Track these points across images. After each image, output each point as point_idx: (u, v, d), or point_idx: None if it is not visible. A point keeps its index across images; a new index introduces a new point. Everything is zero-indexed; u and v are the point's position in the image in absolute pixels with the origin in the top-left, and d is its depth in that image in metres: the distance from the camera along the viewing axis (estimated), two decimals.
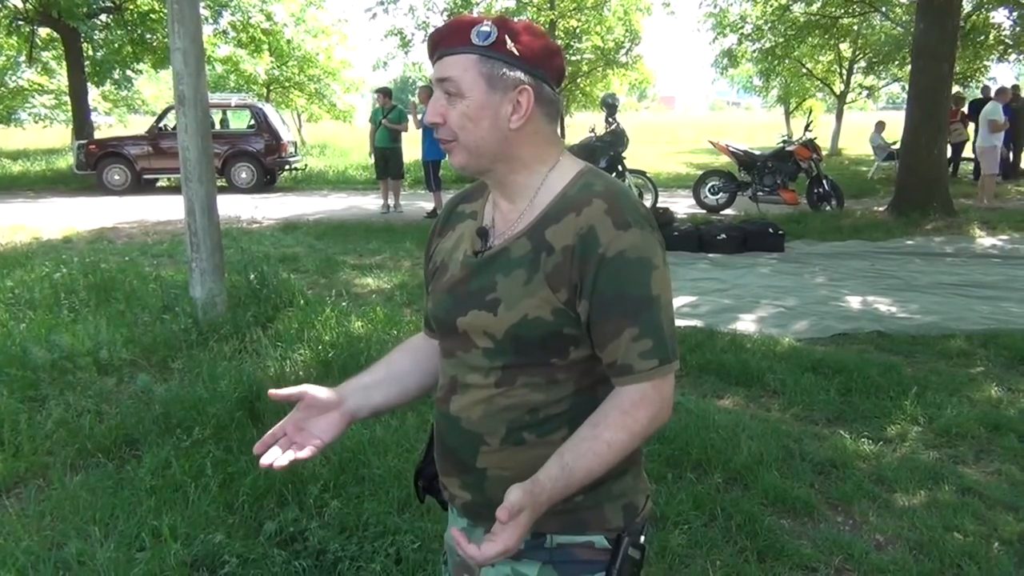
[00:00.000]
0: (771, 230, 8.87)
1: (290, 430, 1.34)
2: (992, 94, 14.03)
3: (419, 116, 11.41)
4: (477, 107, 1.24)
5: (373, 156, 12.43)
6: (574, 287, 1.23)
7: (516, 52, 1.25)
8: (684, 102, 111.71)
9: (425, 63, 24.04)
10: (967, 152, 15.83)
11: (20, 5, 17.80)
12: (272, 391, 1.35)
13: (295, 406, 1.36)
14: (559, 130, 1.37)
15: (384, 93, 12.20)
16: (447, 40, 1.26)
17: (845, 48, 23.05)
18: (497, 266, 1.27)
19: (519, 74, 1.25)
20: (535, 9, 19.52)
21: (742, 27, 21.54)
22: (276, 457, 1.30)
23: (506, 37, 1.25)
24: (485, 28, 1.25)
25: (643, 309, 1.22)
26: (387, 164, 12.11)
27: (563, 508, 1.22)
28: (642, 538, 1.31)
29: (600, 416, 1.23)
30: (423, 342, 1.52)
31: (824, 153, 14.13)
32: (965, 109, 15.61)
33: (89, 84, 19.49)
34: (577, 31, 21.22)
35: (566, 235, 1.23)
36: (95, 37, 19.42)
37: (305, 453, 1.32)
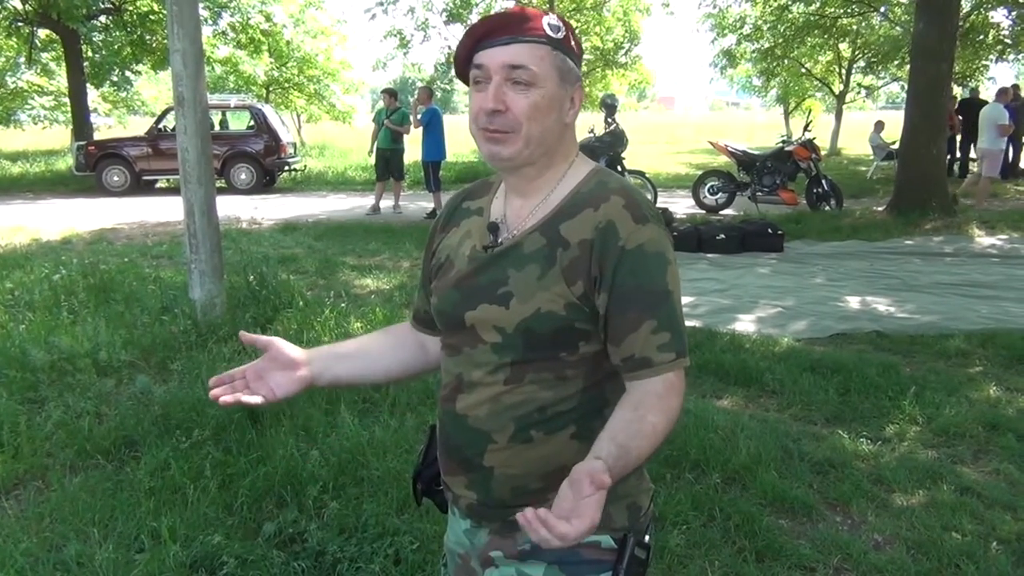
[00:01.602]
0: (770, 230, 8.87)
1: (250, 375, 1.36)
2: (994, 95, 13.96)
3: (418, 116, 11.42)
4: (550, 98, 1.25)
5: (373, 156, 12.40)
6: (592, 280, 1.23)
7: (576, 49, 1.29)
8: (683, 102, 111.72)
9: (425, 64, 24.02)
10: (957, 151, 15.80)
11: (19, 6, 17.80)
12: (243, 333, 1.39)
13: (262, 355, 1.38)
14: None
15: (390, 93, 12.16)
16: (518, 27, 1.24)
17: (844, 48, 23.04)
18: (509, 261, 1.28)
19: (577, 70, 1.29)
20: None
21: (741, 27, 21.57)
22: (226, 394, 1.32)
23: (569, 33, 1.29)
24: (555, 21, 1.27)
25: (661, 302, 1.23)
26: (388, 165, 12.10)
27: None
28: (647, 537, 1.31)
29: (636, 400, 1.20)
30: (406, 332, 1.53)
31: (823, 153, 14.13)
32: (956, 108, 15.56)
33: (88, 85, 19.49)
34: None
35: (583, 229, 1.24)
36: (94, 38, 19.43)
37: (253, 399, 1.33)
